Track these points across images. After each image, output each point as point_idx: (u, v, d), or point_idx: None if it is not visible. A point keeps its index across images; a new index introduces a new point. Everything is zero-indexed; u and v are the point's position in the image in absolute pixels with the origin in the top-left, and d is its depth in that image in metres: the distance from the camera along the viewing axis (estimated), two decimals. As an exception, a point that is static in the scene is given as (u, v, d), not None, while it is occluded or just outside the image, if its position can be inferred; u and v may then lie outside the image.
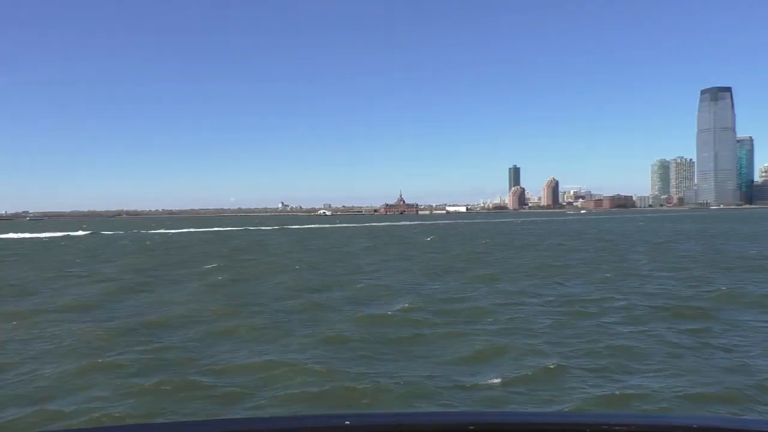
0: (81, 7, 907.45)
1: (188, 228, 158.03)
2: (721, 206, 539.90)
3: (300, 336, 20.14)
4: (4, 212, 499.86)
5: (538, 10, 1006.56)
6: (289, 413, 13.08)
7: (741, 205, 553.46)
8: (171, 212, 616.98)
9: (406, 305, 25.70)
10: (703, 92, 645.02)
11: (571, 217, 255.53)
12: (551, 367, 15.83)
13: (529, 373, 15.41)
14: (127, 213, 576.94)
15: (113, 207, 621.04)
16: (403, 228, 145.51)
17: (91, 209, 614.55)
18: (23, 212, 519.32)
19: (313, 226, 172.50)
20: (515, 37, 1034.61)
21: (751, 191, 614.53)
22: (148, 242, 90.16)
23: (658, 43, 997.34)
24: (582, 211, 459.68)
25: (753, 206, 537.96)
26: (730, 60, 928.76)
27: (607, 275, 36.31)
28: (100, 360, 17.21)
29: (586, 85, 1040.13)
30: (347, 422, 2.46)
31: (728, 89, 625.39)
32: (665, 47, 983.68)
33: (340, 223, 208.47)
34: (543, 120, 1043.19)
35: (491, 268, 42.08)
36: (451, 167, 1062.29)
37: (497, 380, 14.87)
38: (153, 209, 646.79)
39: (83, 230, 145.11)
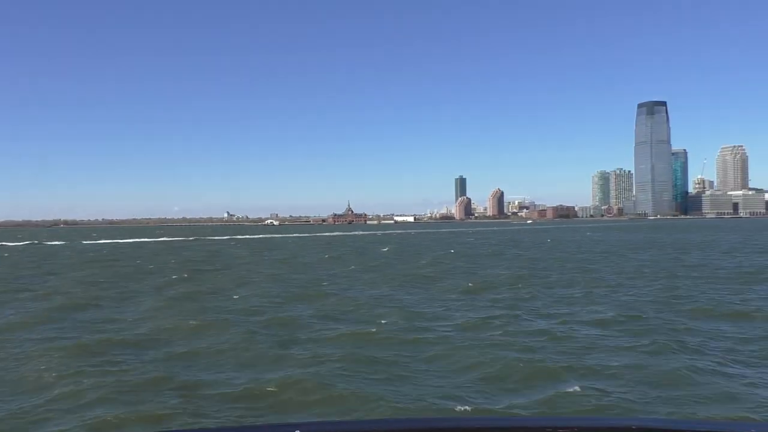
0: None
1: (136, 238, 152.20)
2: (658, 216, 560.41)
3: (285, 355, 18.72)
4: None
5: (478, 18, 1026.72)
6: (238, 423, 12.76)
7: (676, 216, 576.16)
8: (112, 222, 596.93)
9: (385, 321, 24.53)
10: (640, 106, 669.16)
11: (518, 227, 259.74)
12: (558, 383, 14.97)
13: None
14: (66, 223, 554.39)
15: (50, 216, 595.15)
16: (356, 238, 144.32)
17: (26, 219, 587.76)
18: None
19: (265, 236, 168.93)
20: (458, 50, 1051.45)
21: (685, 202, 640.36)
22: (92, 253, 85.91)
23: (598, 57, 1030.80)
24: (528, 221, 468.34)
25: (688, 216, 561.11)
26: (665, 75, 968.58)
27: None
28: (60, 387, 15.38)
29: (528, 97, 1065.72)
30: (297, 431, 2.35)
31: (663, 103, 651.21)
32: (605, 61, 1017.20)
33: (290, 233, 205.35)
34: (488, 131, 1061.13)
35: (469, 278, 41.21)
36: (397, 178, 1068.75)
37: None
38: (93, 219, 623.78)
39: (19, 240, 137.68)
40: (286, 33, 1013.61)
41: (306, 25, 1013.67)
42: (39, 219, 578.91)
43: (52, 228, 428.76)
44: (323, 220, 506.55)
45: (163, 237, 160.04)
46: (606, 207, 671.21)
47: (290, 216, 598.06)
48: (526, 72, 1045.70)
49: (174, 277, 44.96)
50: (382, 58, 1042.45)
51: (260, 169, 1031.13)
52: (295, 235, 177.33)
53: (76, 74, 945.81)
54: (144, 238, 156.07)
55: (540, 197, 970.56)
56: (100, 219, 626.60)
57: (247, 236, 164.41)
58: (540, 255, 66.99)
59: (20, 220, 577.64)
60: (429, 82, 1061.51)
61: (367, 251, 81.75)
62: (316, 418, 12.88)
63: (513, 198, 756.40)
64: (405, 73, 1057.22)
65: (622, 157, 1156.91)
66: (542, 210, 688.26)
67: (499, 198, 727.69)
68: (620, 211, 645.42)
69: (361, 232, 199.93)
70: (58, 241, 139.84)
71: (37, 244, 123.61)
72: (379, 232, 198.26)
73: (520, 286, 36.11)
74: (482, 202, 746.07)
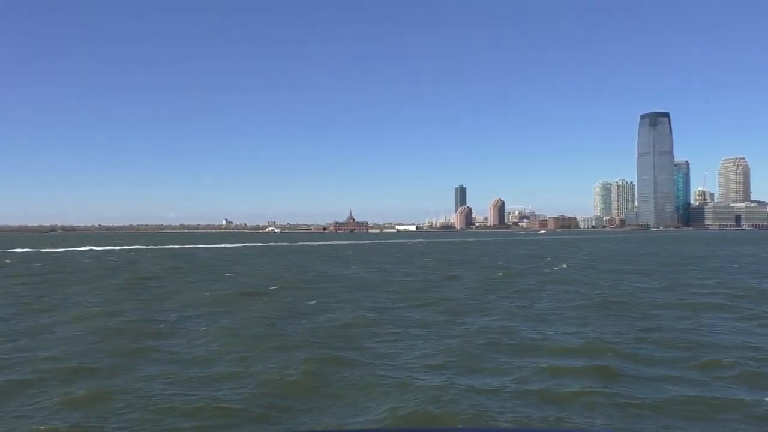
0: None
1: (144, 245, 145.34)
2: (661, 228, 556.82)
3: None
4: None
5: (482, 28, 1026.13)
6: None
7: (679, 227, 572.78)
8: (108, 228, 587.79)
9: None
10: (642, 117, 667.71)
11: (534, 237, 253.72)
12: None
13: None
14: (63, 228, 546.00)
15: (46, 222, 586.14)
16: (370, 248, 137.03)
17: (22, 224, 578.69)
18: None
19: (291, 243, 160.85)
20: (461, 57, 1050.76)
21: (687, 213, 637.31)
22: (113, 260, 78.96)
23: (601, 67, 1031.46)
24: (541, 231, 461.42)
25: (689, 228, 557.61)
26: (668, 86, 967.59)
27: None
28: None
29: (529, 107, 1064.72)
30: None
31: (666, 114, 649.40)
32: (608, 71, 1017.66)
33: (304, 240, 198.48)
34: (488, 141, 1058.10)
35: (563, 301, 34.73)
36: (394, 186, 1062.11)
37: None
38: (89, 225, 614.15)
39: (20, 248, 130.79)
40: (283, 32, 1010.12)
41: (305, 28, 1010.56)
42: (35, 224, 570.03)
43: (48, 234, 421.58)
44: (324, 228, 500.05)
45: (170, 245, 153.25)
46: (608, 218, 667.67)
47: (288, 224, 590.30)
48: (527, 81, 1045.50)
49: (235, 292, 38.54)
50: (383, 63, 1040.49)
51: (257, 175, 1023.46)
52: (304, 243, 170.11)
53: (70, 72, 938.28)
54: (171, 244, 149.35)
55: (540, 207, 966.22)
56: (96, 225, 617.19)
57: (258, 243, 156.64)
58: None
59: (16, 225, 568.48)
60: (429, 89, 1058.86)
61: (409, 261, 75.04)
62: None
63: (513, 208, 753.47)
64: (407, 79, 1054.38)
65: (624, 168, 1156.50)
66: (543, 220, 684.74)
67: (500, 208, 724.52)
68: (622, 222, 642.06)
69: (369, 241, 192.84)
70: (60, 248, 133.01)
71: (38, 251, 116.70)
72: (392, 241, 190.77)
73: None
74: (482, 212, 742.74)
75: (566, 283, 44.97)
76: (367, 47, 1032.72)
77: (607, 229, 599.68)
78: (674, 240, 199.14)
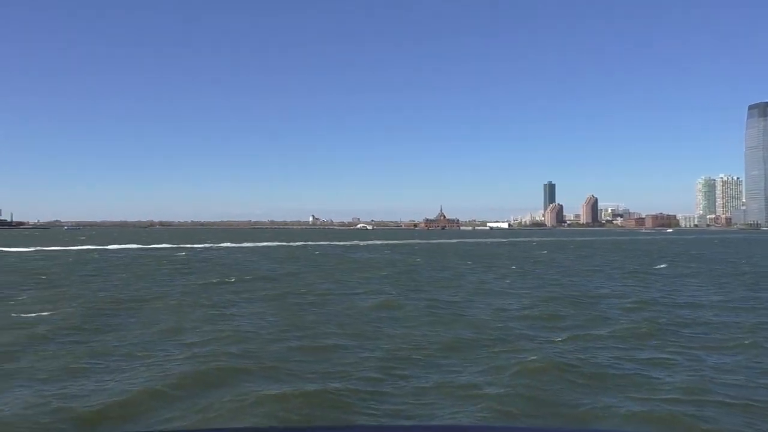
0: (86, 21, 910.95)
1: (245, 242, 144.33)
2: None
3: None
4: (37, 221, 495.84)
5: (573, 21, 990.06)
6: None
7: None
8: (202, 224, 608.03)
9: None
10: (751, 108, 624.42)
11: (645, 237, 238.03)
12: None
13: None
14: (161, 224, 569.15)
15: (144, 217, 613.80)
16: (485, 246, 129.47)
17: (123, 219, 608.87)
18: (56, 221, 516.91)
19: (392, 242, 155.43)
20: (551, 52, 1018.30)
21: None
22: (240, 255, 76.15)
23: (703, 56, 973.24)
24: (668, 230, 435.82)
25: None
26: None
27: None
28: None
29: (623, 98, 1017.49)
30: None
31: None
32: (711, 60, 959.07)
33: (402, 238, 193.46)
34: (578, 136, 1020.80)
35: None
36: (479, 183, 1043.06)
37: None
38: (183, 220, 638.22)
39: (138, 243, 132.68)
40: (380, 30, 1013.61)
41: (399, 26, 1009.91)
42: (134, 220, 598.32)
43: (148, 229, 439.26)
44: (414, 225, 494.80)
45: (276, 242, 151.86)
46: (713, 216, 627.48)
47: (372, 220, 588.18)
48: (621, 71, 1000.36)
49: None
50: (482, 61, 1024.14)
51: (343, 172, 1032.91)
52: (438, 241, 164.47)
53: (169, 69, 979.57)
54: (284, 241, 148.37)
55: (635, 205, 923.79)
56: (189, 221, 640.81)
57: (378, 242, 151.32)
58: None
59: (117, 220, 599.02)
60: (521, 85, 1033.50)
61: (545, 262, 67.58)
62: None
63: (605, 205, 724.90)
64: (499, 75, 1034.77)
65: (729, 163, 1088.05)
66: (639, 218, 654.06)
67: (593, 205, 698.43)
68: (728, 221, 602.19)
69: (471, 240, 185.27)
70: (166, 243, 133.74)
71: (145, 247, 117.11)
72: (504, 239, 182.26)
73: None
74: (571, 210, 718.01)
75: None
76: (455, 37, 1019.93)
77: (712, 228, 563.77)
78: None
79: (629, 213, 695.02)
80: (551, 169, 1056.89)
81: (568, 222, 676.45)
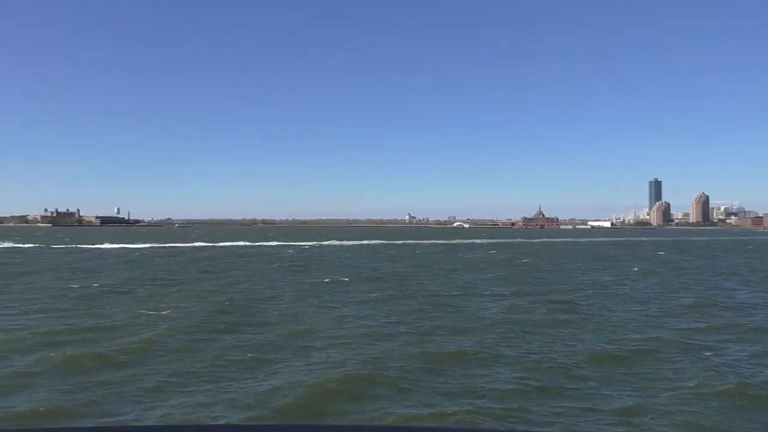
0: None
1: (346, 240, 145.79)
2: None
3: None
4: (151, 219, 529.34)
5: (684, 20, 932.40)
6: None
7: None
8: (303, 222, 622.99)
9: None
10: None
11: None
12: None
13: None
14: (263, 222, 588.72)
15: (248, 215, 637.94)
16: (591, 246, 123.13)
17: (227, 217, 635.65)
18: (167, 219, 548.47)
19: (492, 241, 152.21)
20: (660, 39, 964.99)
21: None
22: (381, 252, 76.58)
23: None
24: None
25: None
26: None
27: None
28: None
29: (734, 88, 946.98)
30: None
31: None
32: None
33: (485, 238, 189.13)
34: (686, 133, 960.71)
35: None
36: (578, 181, 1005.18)
37: None
38: (283, 219, 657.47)
39: (246, 240, 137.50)
40: (475, 30, 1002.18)
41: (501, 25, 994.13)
42: (238, 218, 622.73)
43: (252, 227, 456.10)
44: (512, 224, 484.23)
45: (382, 240, 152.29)
46: None
47: (468, 218, 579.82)
48: (730, 63, 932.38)
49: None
50: (581, 58, 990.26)
51: (439, 170, 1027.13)
52: (540, 240, 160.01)
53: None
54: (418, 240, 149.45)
55: (751, 203, 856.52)
56: (289, 219, 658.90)
57: (486, 240, 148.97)
58: None
59: (222, 218, 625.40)
60: (624, 77, 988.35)
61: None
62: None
63: (717, 203, 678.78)
64: (599, 66, 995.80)
65: None
66: (757, 217, 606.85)
67: (704, 203, 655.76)
68: None
69: (587, 239, 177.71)
70: (273, 241, 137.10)
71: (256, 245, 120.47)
72: (618, 239, 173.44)
73: None
74: (679, 208, 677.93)
75: None
76: (560, 44, 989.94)
77: None
78: None
79: (744, 211, 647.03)
80: (657, 165, 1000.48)
81: (676, 221, 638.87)
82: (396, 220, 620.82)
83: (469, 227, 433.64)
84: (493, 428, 11.74)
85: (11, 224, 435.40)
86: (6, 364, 17.78)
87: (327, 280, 44.44)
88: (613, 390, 15.38)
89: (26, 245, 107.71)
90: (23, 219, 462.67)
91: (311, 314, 27.47)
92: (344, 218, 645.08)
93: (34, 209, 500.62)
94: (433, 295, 35.14)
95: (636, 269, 57.47)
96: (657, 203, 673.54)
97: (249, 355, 19.07)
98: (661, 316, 27.55)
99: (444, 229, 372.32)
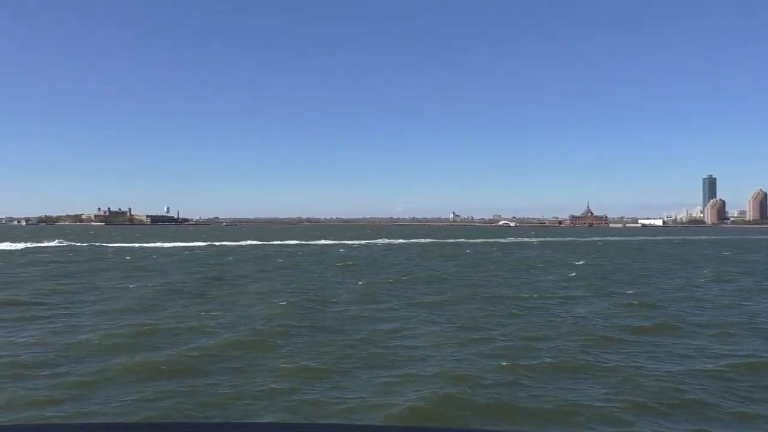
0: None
1: (394, 239, 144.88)
2: None
3: None
4: (199, 218, 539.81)
5: (726, 19, 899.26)
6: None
7: None
8: (347, 221, 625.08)
9: None
10: None
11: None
12: None
13: None
14: (308, 221, 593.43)
15: (293, 214, 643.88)
16: (648, 245, 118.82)
17: (273, 216, 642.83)
18: (215, 218, 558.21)
19: (542, 240, 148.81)
20: (706, 35, 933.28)
21: None
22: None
23: None
24: None
25: None
26: None
27: None
28: None
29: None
30: None
31: None
32: None
33: (535, 236, 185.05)
34: (741, 127, 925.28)
35: None
36: (628, 178, 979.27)
37: None
38: (327, 218, 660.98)
39: (295, 239, 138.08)
40: (516, 30, 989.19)
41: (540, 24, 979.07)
42: (283, 217, 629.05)
43: (298, 225, 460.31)
44: (559, 222, 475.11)
45: (438, 239, 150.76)
46: None
47: (513, 217, 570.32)
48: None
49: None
50: (619, 56, 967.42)
51: (483, 169, 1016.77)
52: (591, 238, 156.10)
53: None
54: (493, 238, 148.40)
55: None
56: (334, 218, 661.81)
57: (538, 239, 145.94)
58: None
59: (268, 217, 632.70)
60: (677, 71, 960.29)
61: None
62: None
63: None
64: (655, 63, 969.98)
65: None
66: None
67: (761, 200, 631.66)
68: None
69: (653, 237, 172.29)
70: (321, 239, 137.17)
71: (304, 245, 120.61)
72: (677, 237, 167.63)
73: None
74: (735, 206, 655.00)
75: None
76: (597, 45, 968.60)
77: None
78: None
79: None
80: (711, 162, 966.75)
81: (731, 219, 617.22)
82: (440, 218, 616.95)
83: (515, 225, 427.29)
84: (493, 428, 11.63)
85: (66, 223, 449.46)
86: (93, 364, 17.31)
87: (392, 279, 43.65)
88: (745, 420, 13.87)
89: (80, 243, 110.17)
90: (77, 218, 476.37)
91: (387, 318, 26.52)
92: (388, 216, 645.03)
93: (87, 208, 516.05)
94: (510, 297, 33.83)
95: (706, 271, 54.78)
96: (711, 200, 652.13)
97: (345, 362, 18.18)
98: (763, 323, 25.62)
99: (490, 228, 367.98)
